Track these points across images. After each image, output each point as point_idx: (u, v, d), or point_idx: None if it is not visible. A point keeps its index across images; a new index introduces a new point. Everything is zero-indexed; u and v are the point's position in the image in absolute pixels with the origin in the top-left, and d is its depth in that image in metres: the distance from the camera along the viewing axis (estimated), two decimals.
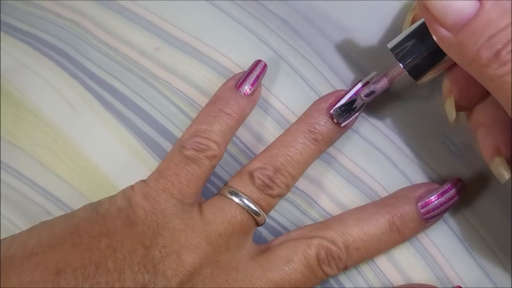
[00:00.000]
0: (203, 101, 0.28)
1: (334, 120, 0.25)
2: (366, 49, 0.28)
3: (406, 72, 0.23)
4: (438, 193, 0.25)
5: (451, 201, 0.25)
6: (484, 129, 0.23)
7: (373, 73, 0.25)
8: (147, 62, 0.28)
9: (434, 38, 0.21)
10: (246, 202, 0.25)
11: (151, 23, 0.28)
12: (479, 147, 0.27)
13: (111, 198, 0.25)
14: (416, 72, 0.23)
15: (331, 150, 0.27)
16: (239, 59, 0.28)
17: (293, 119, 0.27)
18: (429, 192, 0.25)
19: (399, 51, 0.23)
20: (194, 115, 0.28)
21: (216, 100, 0.26)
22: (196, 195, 0.25)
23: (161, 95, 0.28)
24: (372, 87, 0.24)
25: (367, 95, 0.24)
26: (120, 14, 0.29)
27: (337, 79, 0.28)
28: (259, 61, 0.26)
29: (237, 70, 0.28)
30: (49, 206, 0.27)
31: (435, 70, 0.23)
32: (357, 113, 0.25)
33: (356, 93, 0.25)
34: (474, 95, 0.23)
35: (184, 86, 0.28)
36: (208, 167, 0.25)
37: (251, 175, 0.25)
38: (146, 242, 0.23)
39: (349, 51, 0.28)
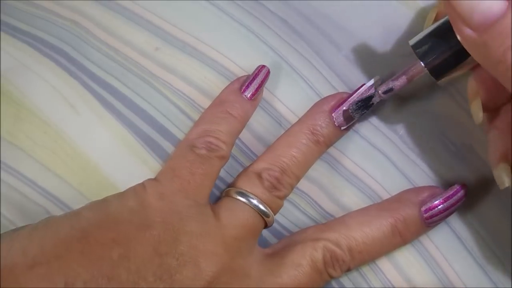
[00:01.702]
0: (203, 101, 0.28)
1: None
2: (366, 49, 0.28)
3: (427, 71, 0.23)
4: (442, 198, 0.25)
5: (455, 206, 0.25)
6: (497, 132, 0.23)
7: (377, 77, 0.25)
8: (147, 62, 0.28)
9: (458, 37, 0.20)
10: (258, 204, 0.24)
11: (151, 23, 0.28)
12: (479, 147, 0.27)
13: (121, 198, 0.23)
14: (437, 71, 0.22)
15: (331, 150, 0.27)
16: (239, 59, 0.28)
17: (293, 119, 0.27)
18: (433, 197, 0.25)
19: (420, 49, 0.22)
20: (194, 115, 0.28)
21: (222, 102, 0.26)
22: (208, 196, 0.24)
23: (161, 95, 0.28)
24: (390, 84, 0.24)
25: (385, 92, 0.24)
26: (120, 14, 0.29)
27: (337, 79, 0.28)
28: (263, 66, 0.26)
29: (237, 70, 0.28)
30: (49, 206, 0.27)
31: (457, 71, 0.22)
32: (368, 109, 0.25)
33: (358, 95, 0.25)
34: (502, 96, 0.22)
35: (184, 86, 0.28)
36: (218, 168, 0.25)
37: (259, 176, 0.25)
38: (161, 248, 0.22)
39: (349, 51, 0.28)
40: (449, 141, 0.27)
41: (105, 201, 0.23)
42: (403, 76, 0.24)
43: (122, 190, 0.27)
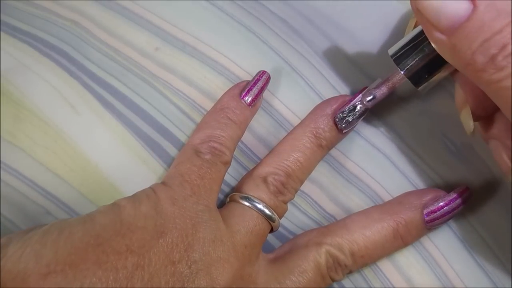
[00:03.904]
0: (203, 101, 0.28)
1: (337, 125, 0.25)
2: (366, 49, 0.28)
3: (407, 79, 0.23)
4: (445, 202, 0.25)
5: (457, 209, 0.25)
6: (497, 142, 0.23)
7: (378, 80, 0.25)
8: (147, 62, 0.28)
9: (430, 41, 0.20)
10: (265, 209, 0.24)
11: (151, 23, 0.28)
12: (479, 147, 0.27)
13: (134, 202, 0.22)
14: (416, 78, 0.23)
15: (331, 150, 0.27)
16: (239, 59, 0.28)
17: (293, 119, 0.27)
18: (436, 200, 0.25)
19: (399, 58, 0.23)
20: (194, 115, 0.28)
21: (223, 108, 0.26)
22: (216, 201, 0.24)
23: (161, 95, 0.28)
24: (372, 93, 0.24)
25: (368, 101, 0.24)
26: (120, 14, 0.28)
27: (337, 79, 0.28)
28: (264, 72, 0.26)
29: (237, 70, 0.28)
30: (49, 206, 0.27)
31: (436, 76, 0.23)
32: (359, 119, 0.25)
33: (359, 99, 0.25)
34: (491, 102, 0.21)
35: (184, 86, 0.28)
36: (223, 173, 0.25)
37: (264, 180, 0.25)
38: (174, 256, 0.21)
39: (349, 51, 0.28)
40: (449, 141, 0.27)
41: (117, 205, 0.22)
42: (385, 85, 0.24)
43: (122, 190, 0.27)
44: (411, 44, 0.22)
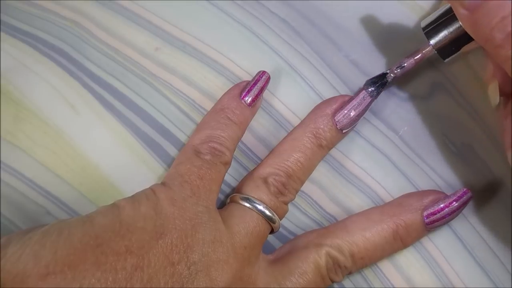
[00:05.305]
0: (203, 101, 0.28)
1: (337, 126, 0.25)
2: (366, 48, 0.28)
3: (435, 51, 0.24)
4: (445, 204, 0.25)
5: (457, 211, 0.25)
6: None
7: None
8: (147, 62, 0.28)
9: (457, 16, 0.21)
10: (265, 210, 0.24)
11: (151, 23, 0.28)
12: (479, 147, 0.27)
13: (133, 203, 0.22)
14: (444, 51, 0.24)
15: (331, 150, 0.27)
16: (239, 59, 0.28)
17: (293, 119, 0.27)
18: (436, 202, 0.25)
19: (430, 31, 0.24)
20: (194, 115, 0.28)
21: (223, 108, 0.26)
22: (216, 201, 0.24)
23: (161, 95, 0.28)
24: (402, 62, 0.25)
25: (397, 68, 0.25)
26: (120, 14, 0.28)
27: (337, 79, 0.28)
28: (264, 73, 0.26)
29: (237, 70, 0.28)
30: (49, 206, 0.27)
31: (463, 50, 0.24)
32: (384, 88, 0.26)
33: (359, 99, 0.25)
34: None
35: (184, 86, 0.28)
36: (223, 173, 0.24)
37: (265, 181, 0.25)
38: (173, 257, 0.21)
39: (349, 51, 0.28)
40: (449, 141, 0.27)
41: (116, 206, 0.22)
42: (414, 56, 0.25)
43: (122, 190, 0.27)
44: (442, 19, 0.24)
